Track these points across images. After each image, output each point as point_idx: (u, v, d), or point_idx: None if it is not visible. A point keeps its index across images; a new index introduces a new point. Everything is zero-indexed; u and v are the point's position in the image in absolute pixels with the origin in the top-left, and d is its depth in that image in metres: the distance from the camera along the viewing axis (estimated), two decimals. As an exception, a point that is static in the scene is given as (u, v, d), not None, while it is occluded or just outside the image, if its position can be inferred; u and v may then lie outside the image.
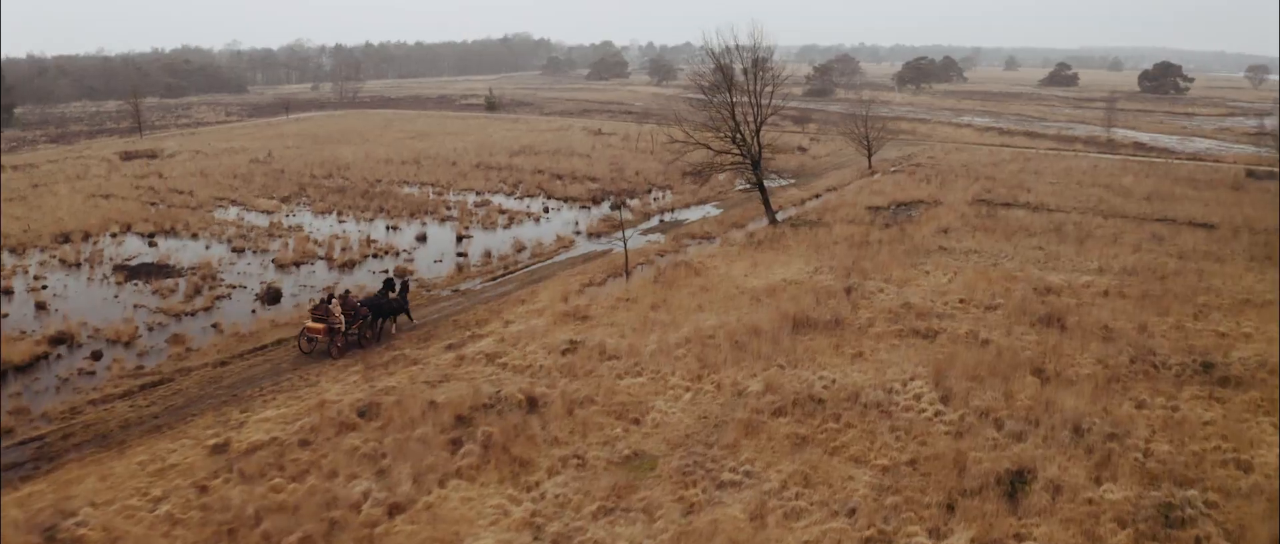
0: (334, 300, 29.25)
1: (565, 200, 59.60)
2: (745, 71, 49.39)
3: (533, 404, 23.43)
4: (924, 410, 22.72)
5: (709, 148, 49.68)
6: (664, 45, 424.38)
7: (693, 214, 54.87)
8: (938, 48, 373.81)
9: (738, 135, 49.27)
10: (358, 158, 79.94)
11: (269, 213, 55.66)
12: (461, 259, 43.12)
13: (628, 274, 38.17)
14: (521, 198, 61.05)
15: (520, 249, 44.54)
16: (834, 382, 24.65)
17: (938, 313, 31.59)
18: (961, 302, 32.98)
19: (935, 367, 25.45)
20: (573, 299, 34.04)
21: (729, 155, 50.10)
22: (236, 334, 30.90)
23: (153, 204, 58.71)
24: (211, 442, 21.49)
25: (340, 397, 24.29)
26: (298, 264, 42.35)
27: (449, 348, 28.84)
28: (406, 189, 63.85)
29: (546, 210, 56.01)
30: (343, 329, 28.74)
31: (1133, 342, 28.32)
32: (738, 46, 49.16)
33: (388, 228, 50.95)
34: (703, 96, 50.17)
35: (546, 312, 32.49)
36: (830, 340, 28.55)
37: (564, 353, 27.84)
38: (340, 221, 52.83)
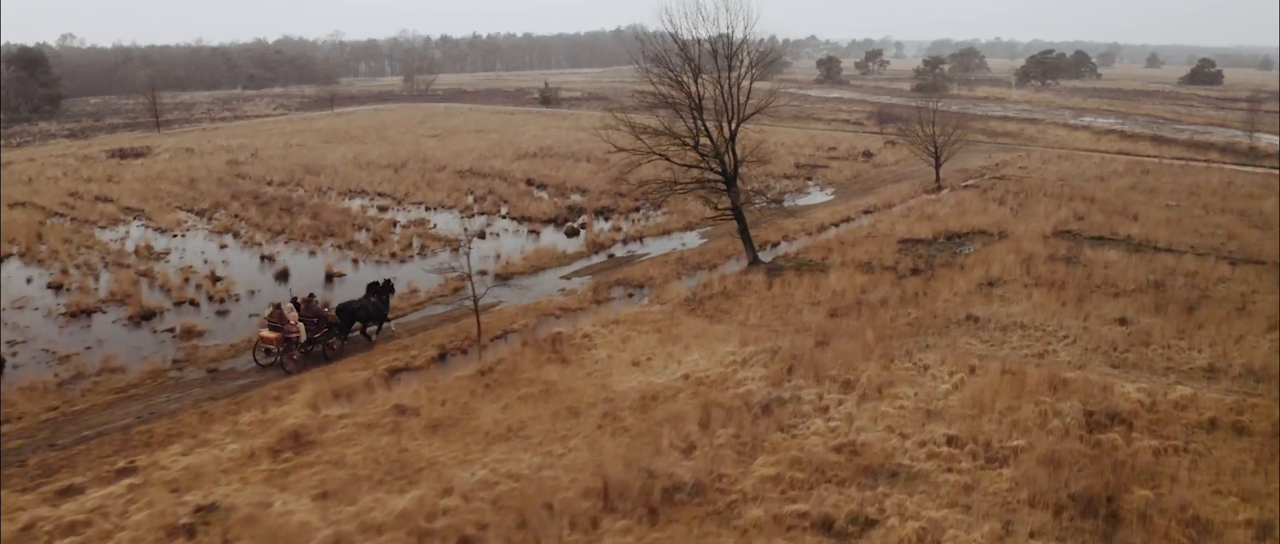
0: (286, 306, 25.90)
1: (522, 220, 47.41)
2: (716, 52, 35.85)
3: None
4: None
5: (667, 159, 36.46)
6: (787, 39, 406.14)
7: (665, 244, 41.82)
8: (1076, 45, 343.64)
9: (700, 142, 35.89)
10: (343, 160, 69.93)
11: (165, 230, 45.90)
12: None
13: (481, 350, 25.84)
14: (474, 215, 49.23)
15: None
16: None
17: (896, 468, 17.92)
18: (950, 441, 19.04)
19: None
20: (325, 406, 21.81)
21: (697, 170, 36.74)
22: None
23: (58, 215, 50.08)
24: None
25: None
26: (90, 313, 31.80)
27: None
28: (351, 203, 52.98)
29: (483, 235, 43.92)
30: (301, 339, 25.75)
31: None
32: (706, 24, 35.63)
33: (262, 258, 40.02)
34: (662, 91, 36.32)
35: (263, 429, 20.40)
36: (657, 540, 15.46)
37: (176, 534, 15.75)
38: (222, 247, 42.28)
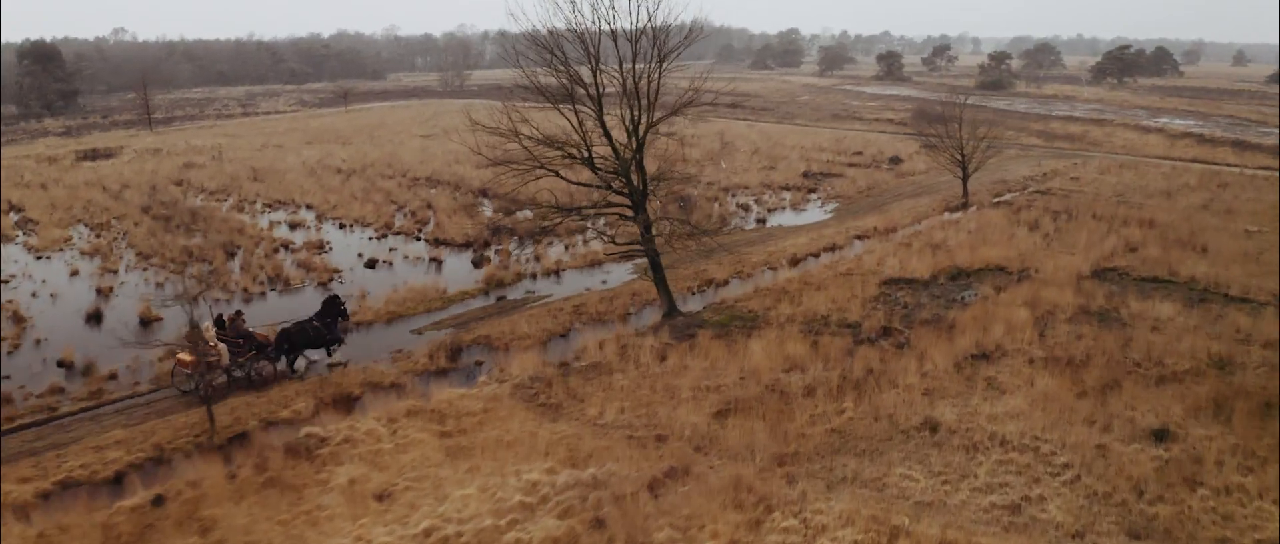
0: (205, 325, 22.57)
1: (436, 243, 39.12)
2: (614, 34, 26.76)
3: None
4: None
5: (558, 175, 27.55)
6: (858, 34, 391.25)
7: (584, 280, 33.11)
8: (1159, 42, 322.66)
9: (593, 154, 26.96)
10: (304, 164, 62.79)
11: (37, 249, 39.42)
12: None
13: (210, 454, 17.71)
14: (386, 235, 41.20)
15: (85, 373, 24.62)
16: None
17: None
18: None
19: None
20: None
21: (599, 188, 27.81)
22: None
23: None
24: None
25: None
26: None
27: None
28: (267, 218, 45.49)
29: (374, 265, 35.80)
30: (222, 363, 22.48)
31: None
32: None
33: (97, 291, 32.70)
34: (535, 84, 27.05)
35: None
36: None
37: None
38: (73, 274, 35.27)
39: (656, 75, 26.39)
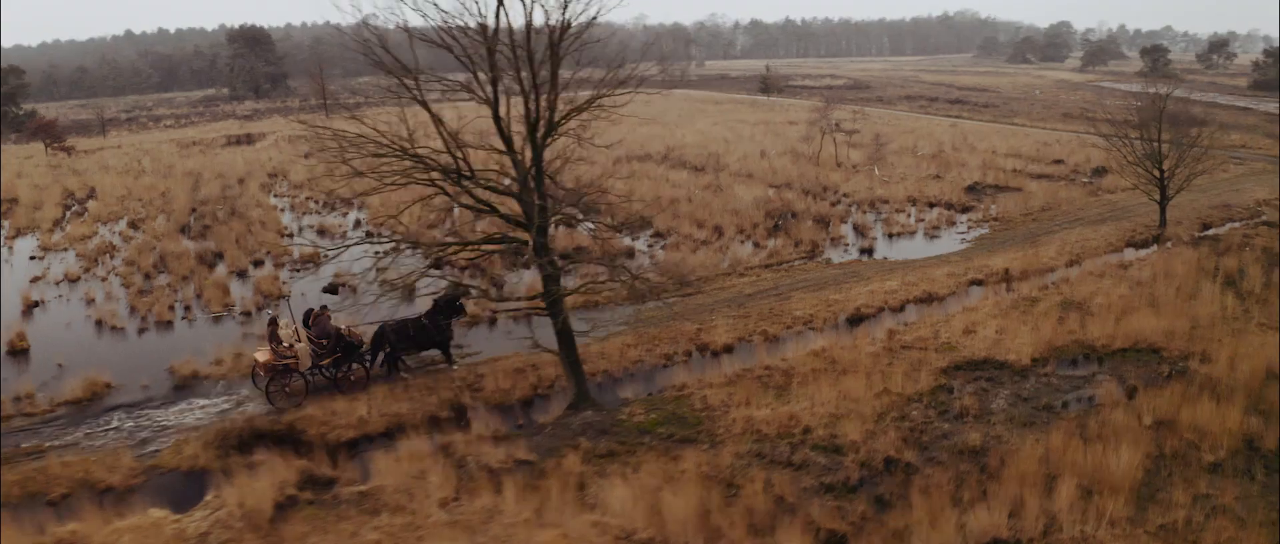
0: (284, 320, 20.41)
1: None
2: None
3: None
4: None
5: (447, 193, 19.51)
6: (1137, 29, 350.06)
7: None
8: None
9: (465, 174, 18.67)
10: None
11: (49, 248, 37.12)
12: None
13: None
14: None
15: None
16: None
17: None
18: None
19: None
20: None
21: (486, 212, 19.47)
22: None
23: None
24: None
25: None
26: None
27: None
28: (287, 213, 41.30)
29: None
30: (300, 366, 19.81)
31: None
32: None
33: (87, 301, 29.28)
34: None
35: None
36: None
37: None
38: (31, 280, 32.21)
39: (549, 73, 18.22)
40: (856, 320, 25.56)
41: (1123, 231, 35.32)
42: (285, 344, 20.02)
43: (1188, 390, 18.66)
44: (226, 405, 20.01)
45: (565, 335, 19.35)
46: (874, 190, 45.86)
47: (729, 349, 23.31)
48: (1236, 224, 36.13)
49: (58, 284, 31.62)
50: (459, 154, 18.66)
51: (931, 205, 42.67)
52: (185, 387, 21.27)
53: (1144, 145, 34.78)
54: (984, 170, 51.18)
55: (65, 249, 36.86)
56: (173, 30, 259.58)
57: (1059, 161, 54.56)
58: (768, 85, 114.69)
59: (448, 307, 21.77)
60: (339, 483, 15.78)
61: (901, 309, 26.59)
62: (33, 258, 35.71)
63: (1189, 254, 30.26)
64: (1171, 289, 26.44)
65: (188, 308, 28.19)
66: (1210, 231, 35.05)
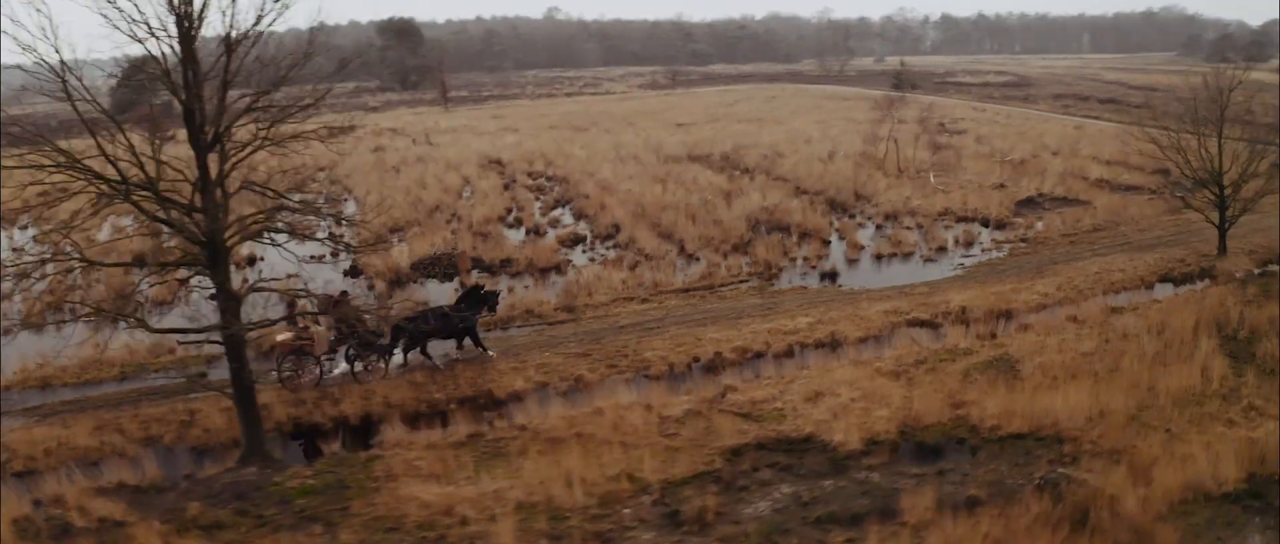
0: (303, 302, 18.70)
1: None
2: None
3: None
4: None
5: (138, 208, 16.14)
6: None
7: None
8: None
9: (117, 173, 15.17)
10: (462, 149, 57.23)
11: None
12: None
13: None
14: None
15: None
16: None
17: None
18: None
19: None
20: None
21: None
22: None
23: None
24: None
25: None
26: None
27: None
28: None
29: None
30: (315, 352, 19.50)
31: None
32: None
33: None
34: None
35: None
36: None
37: None
38: None
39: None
40: (712, 369, 20.62)
41: (1164, 262, 28.11)
42: (305, 330, 19.65)
43: (1041, 512, 13.02)
44: None
45: (239, 376, 15.81)
46: (911, 201, 39.65)
47: (519, 397, 19.07)
48: (1316, 260, 28.07)
49: None
50: (129, 160, 15.41)
51: (963, 220, 36.23)
52: None
53: (1197, 154, 27.48)
54: (1062, 178, 43.59)
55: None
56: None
57: (1164, 171, 45.85)
58: (901, 82, 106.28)
59: (475, 297, 21.64)
60: None
61: (772, 356, 21.36)
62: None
63: (1212, 297, 23.13)
64: (1155, 348, 19.89)
65: None
66: (1271, 266, 27.23)
